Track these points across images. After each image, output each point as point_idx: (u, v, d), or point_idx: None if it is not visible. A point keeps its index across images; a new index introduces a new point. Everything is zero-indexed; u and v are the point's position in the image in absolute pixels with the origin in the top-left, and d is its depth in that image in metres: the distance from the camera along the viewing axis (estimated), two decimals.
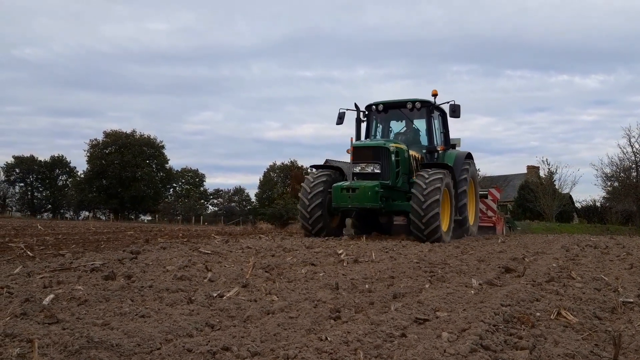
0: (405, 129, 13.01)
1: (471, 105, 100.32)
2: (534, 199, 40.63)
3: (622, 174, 38.41)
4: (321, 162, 14.44)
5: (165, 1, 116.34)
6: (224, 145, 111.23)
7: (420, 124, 12.77)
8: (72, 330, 2.96)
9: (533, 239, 13.06)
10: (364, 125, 12.81)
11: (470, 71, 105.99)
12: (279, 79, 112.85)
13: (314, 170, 12.26)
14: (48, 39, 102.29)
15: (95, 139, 59.98)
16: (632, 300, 4.24)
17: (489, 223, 16.51)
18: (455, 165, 12.11)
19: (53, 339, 2.76)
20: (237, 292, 4.27)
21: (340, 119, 12.39)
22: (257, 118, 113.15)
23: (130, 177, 57.99)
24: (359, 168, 11.21)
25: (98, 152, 59.04)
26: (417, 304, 3.84)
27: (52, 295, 3.80)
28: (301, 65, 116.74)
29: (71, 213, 63.92)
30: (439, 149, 12.37)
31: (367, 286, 4.69)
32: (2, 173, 62.97)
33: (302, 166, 56.30)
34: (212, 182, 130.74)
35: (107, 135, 59.81)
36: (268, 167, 63.98)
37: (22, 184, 65.30)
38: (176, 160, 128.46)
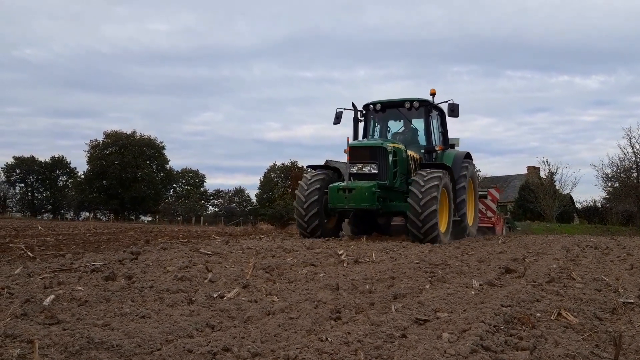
0: (403, 128, 12.89)
1: (471, 106, 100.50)
2: (535, 200, 40.62)
3: (622, 174, 38.40)
4: (321, 163, 14.29)
5: (166, 2, 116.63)
6: (224, 146, 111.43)
7: (418, 124, 12.65)
8: (73, 331, 2.96)
9: (533, 240, 13.06)
10: (361, 125, 12.68)
11: (470, 71, 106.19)
12: (280, 80, 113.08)
13: (310, 170, 12.14)
14: (48, 39, 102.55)
15: (96, 140, 60.15)
16: (632, 300, 4.24)
17: (489, 223, 16.48)
18: (454, 165, 12.00)
19: (53, 340, 2.77)
20: (237, 292, 4.27)
21: (338, 118, 12.24)
22: (257, 119, 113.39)
23: (130, 177, 58.04)
24: (356, 168, 11.08)
25: (98, 152, 59.08)
26: (418, 304, 3.84)
27: (52, 296, 3.80)
28: (301, 66, 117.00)
29: (71, 214, 63.96)
30: (437, 148, 12.24)
31: (367, 287, 4.69)
32: (2, 174, 63.11)
33: (302, 167, 56.26)
34: (212, 182, 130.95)
35: (107, 135, 59.88)
36: (268, 167, 64.01)
37: (22, 185, 65.40)
38: (176, 161, 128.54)
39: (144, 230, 16.04)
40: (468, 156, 13.06)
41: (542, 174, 44.42)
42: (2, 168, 62.88)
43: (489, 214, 16.87)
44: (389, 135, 12.78)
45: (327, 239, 10.56)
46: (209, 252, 7.13)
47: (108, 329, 3.07)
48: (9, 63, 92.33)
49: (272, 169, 63.61)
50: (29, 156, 64.57)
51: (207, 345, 2.75)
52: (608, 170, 39.03)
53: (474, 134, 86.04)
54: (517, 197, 43.84)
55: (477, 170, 18.81)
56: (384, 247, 8.51)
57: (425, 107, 12.02)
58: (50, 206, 66.21)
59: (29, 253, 7.00)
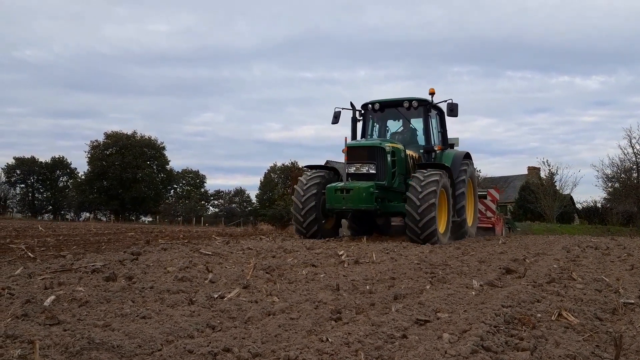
0: (402, 128, 12.78)
1: (471, 106, 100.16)
2: (535, 200, 40.61)
3: (622, 174, 38.36)
4: (322, 163, 14.21)
5: (166, 2, 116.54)
6: (225, 147, 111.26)
7: (417, 123, 12.55)
8: (73, 332, 2.96)
9: (534, 240, 13.05)
10: (360, 125, 12.59)
11: (470, 72, 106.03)
12: (280, 80, 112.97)
13: (308, 170, 12.04)
14: (48, 40, 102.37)
15: (96, 140, 60.06)
16: (633, 301, 4.25)
17: (488, 224, 16.48)
18: (453, 165, 11.89)
19: (54, 340, 2.77)
20: (238, 293, 4.27)
21: (336, 118, 12.13)
22: (257, 119, 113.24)
23: (131, 178, 58.02)
24: (354, 168, 10.95)
25: (99, 153, 59.07)
26: (418, 305, 3.84)
27: (53, 297, 3.80)
28: (302, 67, 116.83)
29: (72, 214, 63.91)
30: (436, 148, 12.16)
31: (367, 287, 4.69)
32: (2, 174, 63.05)
33: (302, 167, 56.24)
34: (212, 183, 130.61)
35: (107, 136, 59.87)
36: (269, 168, 63.91)
37: (22, 185, 65.34)
38: (177, 162, 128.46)
39: (145, 231, 16.05)
40: (467, 156, 12.95)
41: (543, 174, 44.44)
42: (2, 169, 62.89)
43: (489, 214, 16.87)
44: (388, 135, 12.69)
45: (327, 239, 10.54)
46: (210, 253, 7.13)
47: (109, 330, 3.07)
48: (9, 63, 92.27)
49: (273, 169, 63.57)
50: (29, 157, 64.58)
51: (208, 346, 2.75)
52: (608, 171, 39.04)
53: (474, 135, 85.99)
54: (517, 198, 43.83)
55: (477, 171, 18.76)
56: (384, 248, 8.51)
57: (424, 107, 11.94)
58: (50, 207, 66.20)
59: (29, 254, 7.00)
